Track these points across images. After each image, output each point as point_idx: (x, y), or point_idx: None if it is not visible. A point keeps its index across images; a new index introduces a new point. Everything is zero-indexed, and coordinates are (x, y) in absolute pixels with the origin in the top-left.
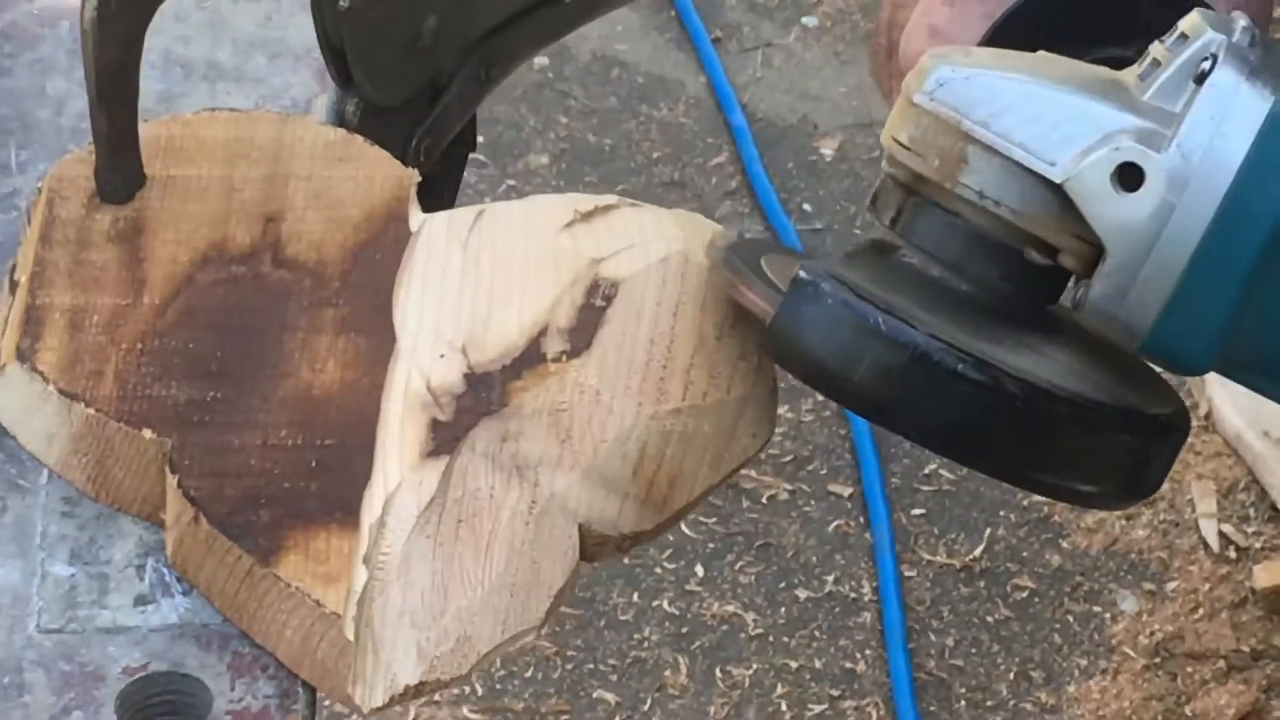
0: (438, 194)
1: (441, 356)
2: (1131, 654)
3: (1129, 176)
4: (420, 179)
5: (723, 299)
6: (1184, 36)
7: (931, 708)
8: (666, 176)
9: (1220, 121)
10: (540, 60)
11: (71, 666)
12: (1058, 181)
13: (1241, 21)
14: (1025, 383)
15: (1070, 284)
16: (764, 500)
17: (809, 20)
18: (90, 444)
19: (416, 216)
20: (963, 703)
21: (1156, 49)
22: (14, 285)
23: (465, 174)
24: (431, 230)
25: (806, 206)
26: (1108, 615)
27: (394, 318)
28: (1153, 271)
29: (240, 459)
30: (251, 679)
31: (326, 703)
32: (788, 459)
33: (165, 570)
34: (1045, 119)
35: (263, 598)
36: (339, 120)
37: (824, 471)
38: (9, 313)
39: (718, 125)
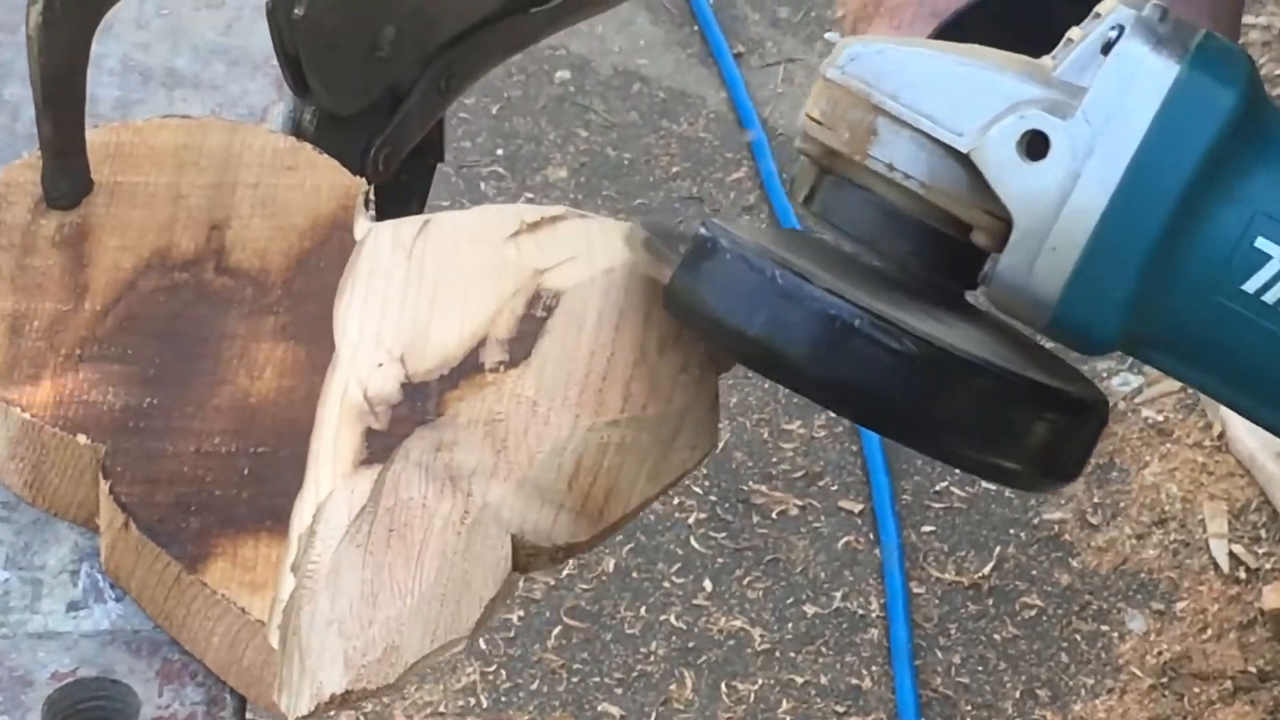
0: (405, 204)
1: (380, 365)
2: (1139, 674)
3: (1035, 145)
4: (370, 188)
5: (662, 315)
6: (1097, 15)
7: None
8: (685, 191)
9: (1125, 89)
10: (561, 74)
11: (1, 671)
12: (964, 151)
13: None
14: (925, 341)
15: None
16: (774, 515)
17: (831, 36)
18: (27, 449)
19: (362, 225)
20: None
21: (1073, 31)
22: None
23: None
24: (377, 239)
25: None
26: (1116, 635)
27: (334, 326)
28: (1059, 240)
29: (173, 466)
30: (180, 685)
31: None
32: (799, 474)
33: (99, 576)
34: (954, 91)
35: (190, 604)
36: (295, 128)
37: (835, 487)
38: None
39: (737, 140)
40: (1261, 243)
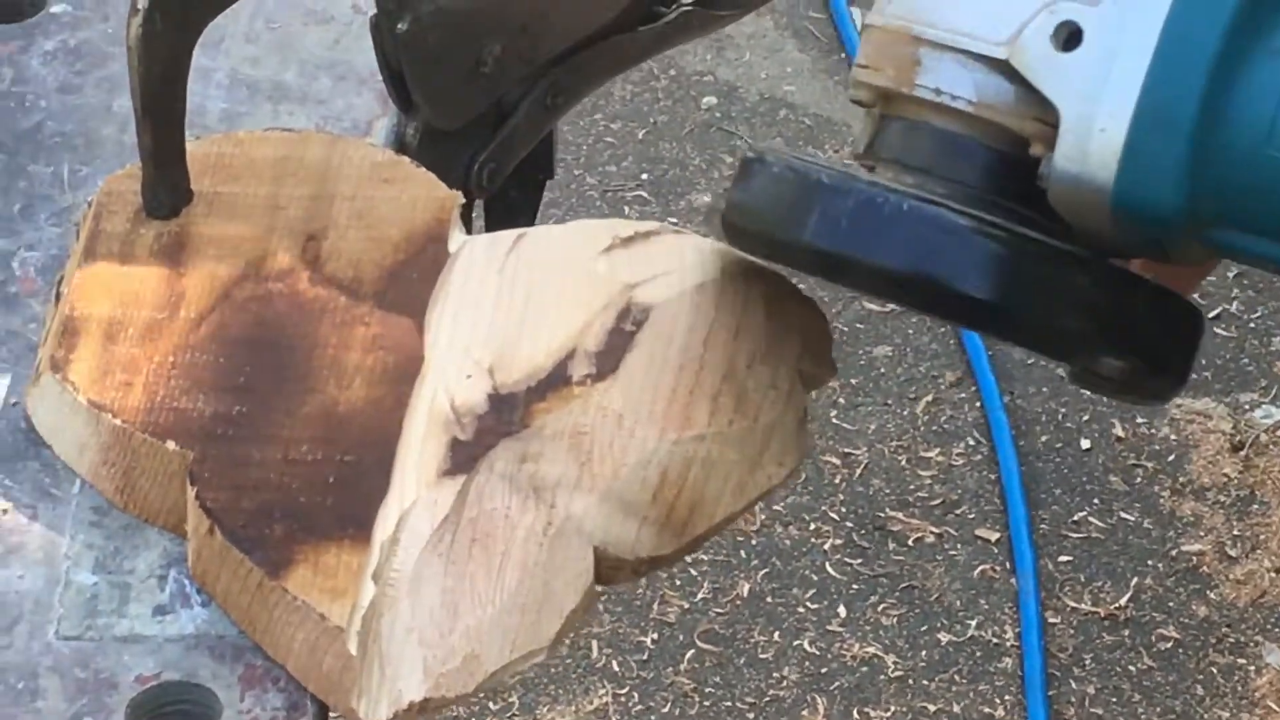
0: (514, 220)
1: (468, 377)
2: (1275, 708)
3: (1069, 36)
4: (470, 202)
5: (756, 327)
6: None
7: None
8: None
9: None
10: (708, 100)
11: (86, 673)
12: (1003, 57)
13: None
14: (975, 217)
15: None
16: (910, 543)
17: None
18: (118, 455)
19: (457, 238)
20: None
21: None
22: (59, 297)
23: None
24: (471, 252)
25: None
26: (1252, 668)
27: (425, 337)
28: (1106, 120)
29: (259, 473)
30: (262, 691)
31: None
32: (936, 502)
33: (186, 581)
34: (986, 5)
35: (272, 610)
36: (398, 143)
37: (972, 516)
38: (51, 322)
39: None
40: None
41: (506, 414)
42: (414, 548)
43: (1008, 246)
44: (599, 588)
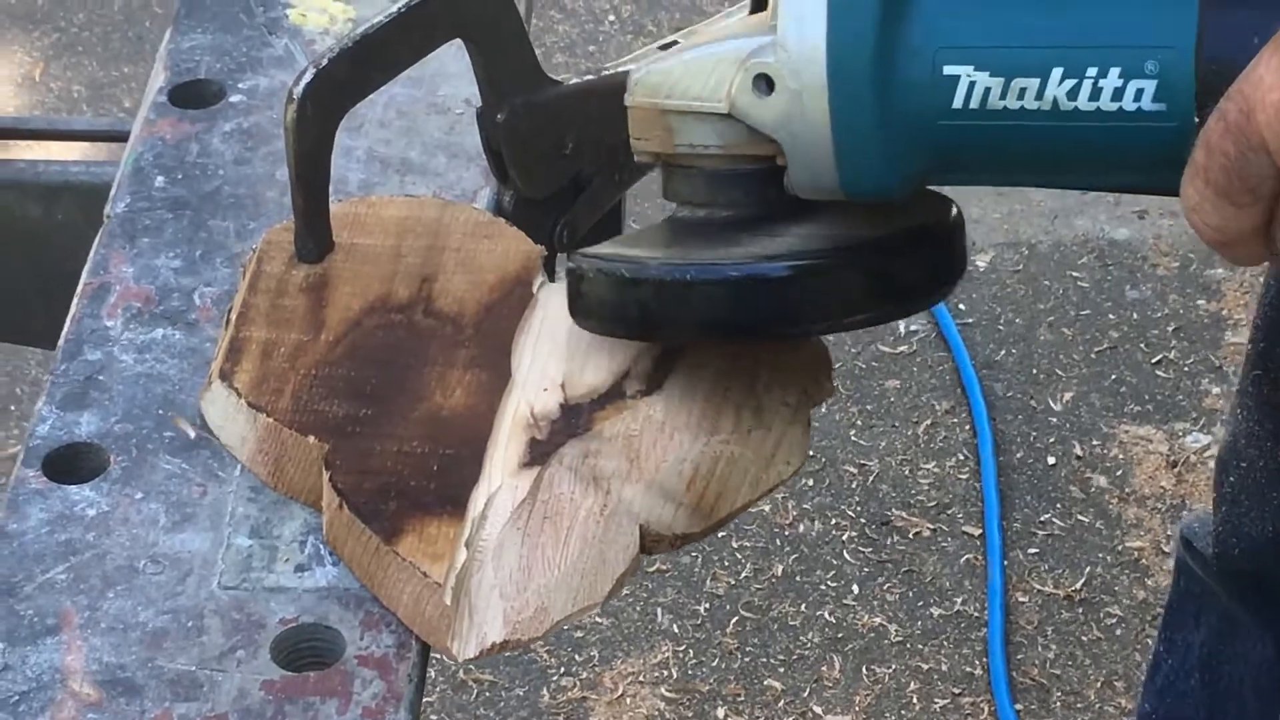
0: None
1: (545, 390)
2: None
3: (765, 84)
4: (553, 255)
5: (772, 357)
6: None
7: (1033, 707)
8: None
9: (800, 19)
10: None
11: (241, 616)
12: (725, 112)
13: None
14: (739, 262)
15: None
16: (910, 536)
17: None
18: (270, 446)
19: (539, 282)
20: (1058, 704)
21: None
22: (228, 322)
23: None
24: (550, 293)
25: (962, 306)
26: None
27: (512, 359)
28: (815, 137)
29: (379, 462)
30: (377, 632)
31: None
32: (932, 504)
33: (321, 546)
34: (705, 72)
35: (386, 569)
36: (497, 208)
37: (960, 516)
38: (222, 342)
39: None
40: (949, 69)
41: (574, 420)
42: (498, 522)
43: (780, 276)
44: (642, 556)
